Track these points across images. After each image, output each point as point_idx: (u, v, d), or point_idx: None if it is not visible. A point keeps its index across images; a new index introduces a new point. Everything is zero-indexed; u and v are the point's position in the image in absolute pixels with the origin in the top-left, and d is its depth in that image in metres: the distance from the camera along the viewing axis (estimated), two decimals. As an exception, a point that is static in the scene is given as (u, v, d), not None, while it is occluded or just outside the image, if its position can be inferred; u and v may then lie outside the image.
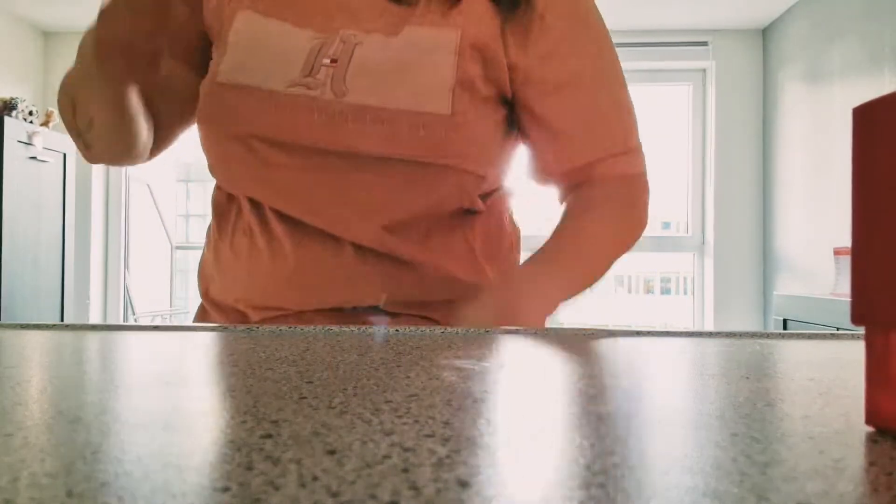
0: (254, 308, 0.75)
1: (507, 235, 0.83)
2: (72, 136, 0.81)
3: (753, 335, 0.54)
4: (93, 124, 0.78)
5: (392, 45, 0.72)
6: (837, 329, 2.25)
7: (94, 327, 0.54)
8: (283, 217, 0.74)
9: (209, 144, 0.78)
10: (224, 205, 0.80)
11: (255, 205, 0.76)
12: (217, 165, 0.79)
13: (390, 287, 0.73)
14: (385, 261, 0.73)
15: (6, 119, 3.44)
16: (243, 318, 0.77)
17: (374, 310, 0.73)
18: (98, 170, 4.51)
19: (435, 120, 0.70)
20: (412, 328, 0.54)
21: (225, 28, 0.78)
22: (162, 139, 0.88)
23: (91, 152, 0.82)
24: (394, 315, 0.73)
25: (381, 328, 0.55)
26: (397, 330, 0.53)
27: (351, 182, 0.72)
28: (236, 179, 0.77)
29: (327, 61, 0.72)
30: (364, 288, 0.72)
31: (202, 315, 0.86)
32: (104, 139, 0.80)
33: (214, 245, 0.81)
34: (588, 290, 0.79)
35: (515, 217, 0.87)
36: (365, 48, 0.72)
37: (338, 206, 0.72)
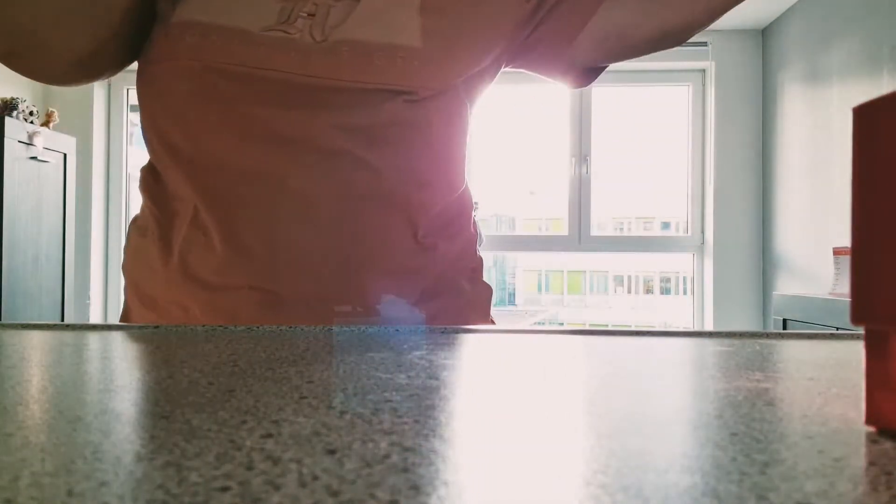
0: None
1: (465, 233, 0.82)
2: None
3: (753, 335, 0.54)
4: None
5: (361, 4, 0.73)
6: (837, 329, 2.25)
7: (94, 327, 0.54)
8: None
9: (159, 95, 0.72)
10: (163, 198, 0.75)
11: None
12: (164, 119, 0.72)
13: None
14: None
15: (6, 119, 3.44)
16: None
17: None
18: (98, 170, 4.51)
19: (409, 52, 0.71)
20: (412, 328, 0.54)
21: None
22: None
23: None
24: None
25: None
26: (397, 330, 0.53)
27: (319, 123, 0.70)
28: (194, 133, 0.71)
29: (304, 14, 0.72)
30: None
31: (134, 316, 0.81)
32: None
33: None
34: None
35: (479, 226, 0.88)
36: (338, 9, 0.73)
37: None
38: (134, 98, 4.80)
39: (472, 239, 0.83)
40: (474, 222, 0.85)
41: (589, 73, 0.85)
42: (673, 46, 0.82)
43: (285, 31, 0.71)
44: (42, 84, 4.59)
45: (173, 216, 0.74)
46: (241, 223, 0.70)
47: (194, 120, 0.71)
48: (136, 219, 0.81)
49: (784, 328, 2.67)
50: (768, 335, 0.54)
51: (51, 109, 3.98)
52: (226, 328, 0.55)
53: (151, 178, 0.77)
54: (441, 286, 0.76)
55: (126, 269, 0.82)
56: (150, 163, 0.78)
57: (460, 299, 0.78)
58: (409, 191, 0.73)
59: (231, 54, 0.69)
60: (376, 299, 0.72)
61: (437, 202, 0.77)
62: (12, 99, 3.55)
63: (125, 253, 0.82)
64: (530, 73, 0.86)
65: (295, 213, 0.70)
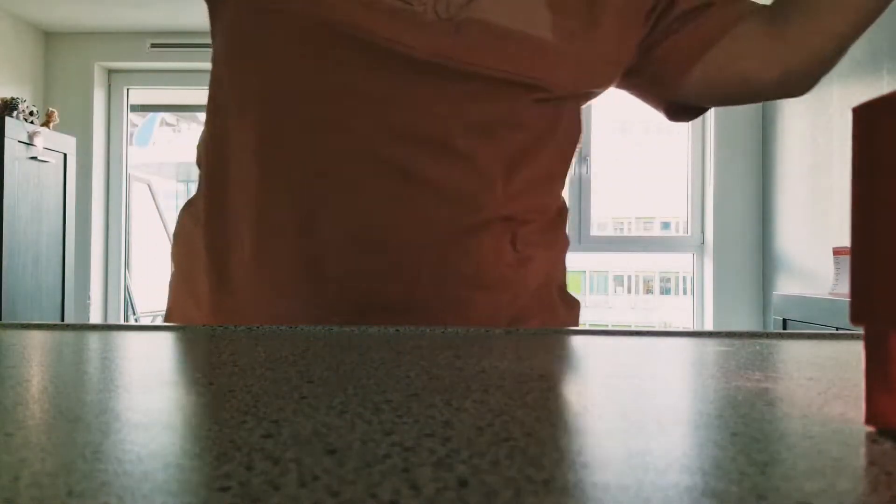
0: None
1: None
2: None
3: (753, 335, 0.54)
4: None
5: None
6: (837, 329, 2.25)
7: (94, 327, 0.54)
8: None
9: (252, 46, 0.66)
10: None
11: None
12: (253, 77, 0.66)
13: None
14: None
15: (6, 119, 3.44)
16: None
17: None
18: (98, 170, 4.51)
19: (541, 43, 0.64)
20: (412, 328, 0.54)
21: None
22: None
23: None
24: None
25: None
26: (398, 330, 0.53)
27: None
28: (293, 99, 0.64)
29: None
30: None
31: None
32: None
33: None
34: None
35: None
36: None
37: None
38: (134, 98, 4.81)
39: (566, 247, 0.78)
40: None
41: (690, 110, 0.80)
42: (789, 96, 0.78)
43: (407, 2, 0.63)
44: (42, 84, 4.59)
45: (236, 204, 0.67)
46: (324, 213, 0.63)
47: (295, 82, 0.64)
48: (190, 202, 0.75)
49: (784, 328, 2.67)
50: (768, 335, 0.54)
51: (51, 109, 3.98)
52: (225, 328, 0.55)
53: (214, 156, 0.71)
54: (535, 304, 0.71)
55: (175, 258, 0.76)
56: (210, 134, 0.72)
57: (555, 321, 0.73)
58: (518, 199, 0.67)
59: (350, 15, 0.62)
60: (468, 315, 0.65)
61: (543, 213, 0.72)
62: (12, 99, 3.55)
63: (175, 241, 0.76)
64: (632, 95, 0.80)
65: (388, 206, 0.63)
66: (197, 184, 0.76)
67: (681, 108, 0.79)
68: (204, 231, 0.69)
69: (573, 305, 0.77)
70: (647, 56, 0.73)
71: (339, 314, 0.63)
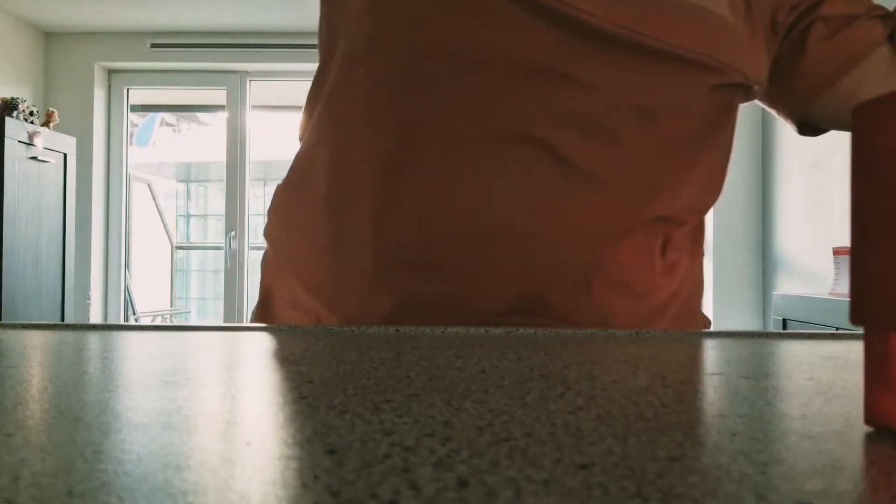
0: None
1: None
2: None
3: (753, 335, 0.54)
4: None
5: None
6: (837, 329, 2.25)
7: (94, 327, 0.54)
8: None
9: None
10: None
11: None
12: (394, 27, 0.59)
13: None
14: None
15: (6, 119, 3.44)
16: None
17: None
18: (98, 170, 4.51)
19: (721, 21, 0.59)
20: (412, 328, 0.54)
21: None
22: None
23: None
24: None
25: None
26: (398, 330, 0.53)
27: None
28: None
29: None
30: None
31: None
32: None
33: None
34: None
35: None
36: None
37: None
38: (134, 98, 4.81)
39: (702, 256, 0.72)
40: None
41: (816, 128, 0.74)
42: None
43: None
44: (42, 84, 4.60)
45: (359, 163, 0.60)
46: (450, 197, 0.56)
47: (451, 46, 0.57)
48: (295, 168, 0.68)
49: (784, 328, 2.67)
50: (768, 335, 0.54)
51: (51, 109, 3.99)
52: (225, 328, 0.55)
53: (325, 120, 0.64)
54: (673, 320, 0.65)
55: (275, 240, 0.69)
56: (329, 111, 0.65)
57: None
58: (678, 197, 0.62)
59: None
60: (606, 325, 0.59)
61: (697, 216, 0.67)
62: (12, 99, 3.55)
63: (272, 217, 0.69)
64: (762, 104, 0.74)
65: (536, 195, 0.57)
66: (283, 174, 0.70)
67: (810, 124, 0.74)
68: (324, 208, 0.62)
69: (707, 326, 0.72)
70: (790, 63, 0.67)
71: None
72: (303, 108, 0.69)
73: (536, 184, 0.56)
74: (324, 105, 0.65)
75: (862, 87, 0.67)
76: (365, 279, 0.59)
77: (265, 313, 0.70)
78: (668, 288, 0.64)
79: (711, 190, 0.67)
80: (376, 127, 0.60)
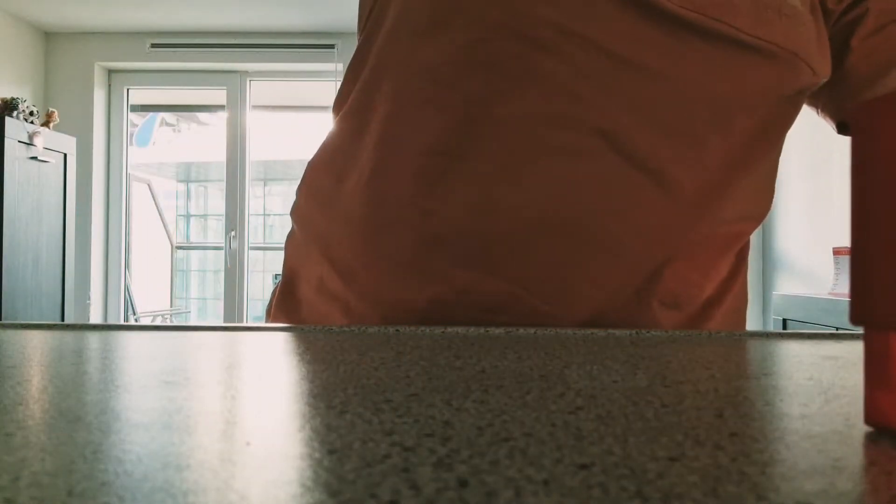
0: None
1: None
2: None
3: (753, 335, 0.54)
4: None
5: None
6: (837, 329, 2.25)
7: (94, 327, 0.54)
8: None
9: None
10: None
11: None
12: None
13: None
14: None
15: (6, 119, 3.44)
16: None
17: None
18: (98, 170, 4.51)
19: (796, 13, 0.55)
20: (413, 328, 0.54)
21: None
22: None
23: None
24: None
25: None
26: (398, 330, 0.53)
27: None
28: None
29: None
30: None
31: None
32: None
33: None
34: None
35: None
36: None
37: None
38: (134, 98, 4.81)
39: (746, 270, 0.69)
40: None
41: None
42: None
43: None
44: (42, 84, 4.60)
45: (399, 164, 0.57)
46: (507, 179, 0.54)
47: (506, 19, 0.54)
48: (331, 145, 0.64)
49: (784, 328, 2.67)
50: (768, 335, 0.54)
51: (51, 109, 3.99)
52: (225, 328, 0.55)
53: (376, 97, 0.60)
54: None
55: (305, 220, 0.66)
56: (365, 93, 0.61)
57: None
58: (743, 201, 0.60)
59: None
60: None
61: (756, 223, 0.64)
62: (12, 99, 3.55)
63: (302, 196, 0.66)
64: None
65: (595, 193, 0.54)
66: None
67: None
68: (365, 188, 0.59)
69: None
70: (834, 58, 0.63)
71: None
72: (342, 83, 0.66)
73: (604, 182, 0.53)
74: (373, 82, 0.61)
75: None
76: (403, 268, 0.57)
77: (288, 298, 0.67)
78: (720, 303, 0.62)
79: (767, 195, 0.64)
80: (438, 105, 0.56)
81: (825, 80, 0.61)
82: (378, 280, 0.59)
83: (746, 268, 0.68)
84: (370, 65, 0.61)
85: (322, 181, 0.64)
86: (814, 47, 0.57)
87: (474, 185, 0.54)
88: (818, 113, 0.71)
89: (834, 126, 0.72)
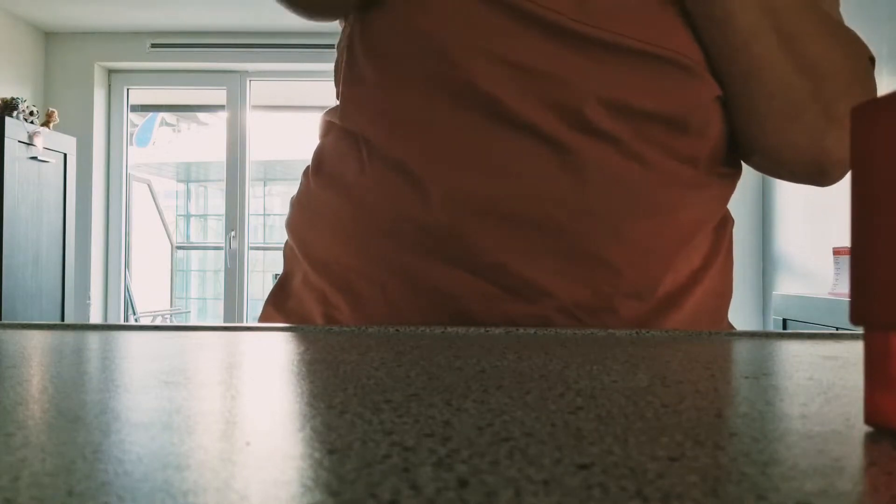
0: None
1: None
2: None
3: (753, 335, 0.54)
4: None
5: None
6: (837, 329, 2.25)
7: (94, 327, 0.54)
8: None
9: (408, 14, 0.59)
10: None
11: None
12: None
13: None
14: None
15: (7, 119, 3.44)
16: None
17: None
18: (98, 170, 4.51)
19: None
20: (413, 328, 0.54)
21: None
22: None
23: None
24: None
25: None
26: (398, 330, 0.53)
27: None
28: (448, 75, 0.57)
29: None
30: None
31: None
32: None
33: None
34: None
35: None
36: None
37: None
38: (134, 98, 4.81)
39: (732, 263, 0.70)
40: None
41: None
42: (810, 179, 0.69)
43: None
44: (42, 84, 4.59)
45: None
46: (470, 175, 0.57)
47: (449, 51, 0.57)
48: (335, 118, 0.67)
49: (784, 328, 2.67)
50: (768, 335, 0.54)
51: (51, 109, 3.99)
52: (225, 328, 0.55)
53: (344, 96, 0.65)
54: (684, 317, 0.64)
55: (293, 227, 0.68)
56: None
57: None
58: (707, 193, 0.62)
59: None
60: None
61: (719, 216, 0.66)
62: (12, 99, 3.55)
63: (293, 206, 0.69)
64: None
65: (537, 182, 0.56)
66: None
67: None
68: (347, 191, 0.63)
69: None
70: None
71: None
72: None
73: (544, 172, 0.56)
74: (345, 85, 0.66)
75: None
76: (377, 262, 0.60)
77: (279, 292, 0.70)
78: (691, 295, 0.62)
79: (725, 192, 0.65)
80: (399, 121, 0.60)
81: None
82: (352, 274, 0.62)
83: (728, 252, 0.69)
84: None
85: (307, 185, 0.68)
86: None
87: (441, 181, 0.57)
88: None
89: None
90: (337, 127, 0.66)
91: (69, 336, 0.49)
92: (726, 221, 0.69)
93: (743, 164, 0.68)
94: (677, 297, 0.62)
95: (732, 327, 0.70)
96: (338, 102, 0.67)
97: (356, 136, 0.63)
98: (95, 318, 4.42)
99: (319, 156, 0.68)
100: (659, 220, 0.59)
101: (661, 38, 0.56)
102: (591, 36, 0.55)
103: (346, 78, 0.65)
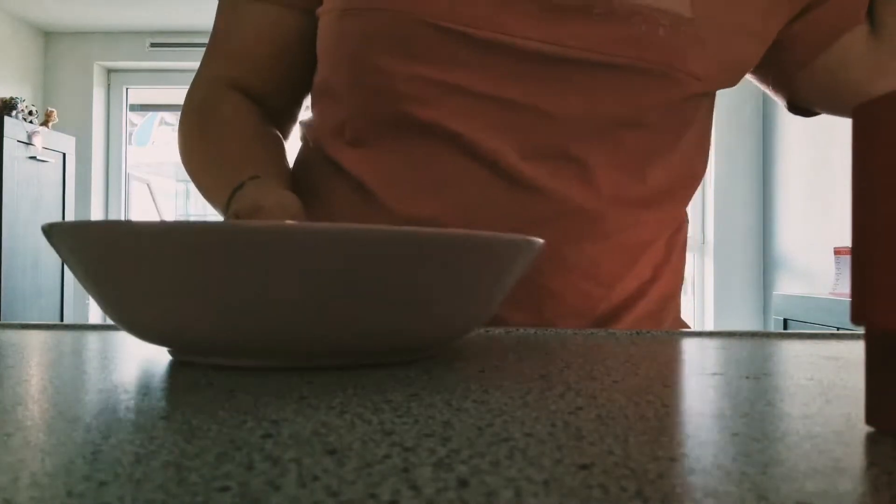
0: None
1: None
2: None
3: (753, 335, 0.54)
4: None
5: None
6: (837, 329, 2.25)
7: (94, 327, 0.54)
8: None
9: (351, 56, 0.60)
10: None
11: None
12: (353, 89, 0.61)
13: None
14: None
15: (6, 119, 3.44)
16: None
17: None
18: (97, 169, 4.51)
19: (676, 20, 0.57)
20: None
21: None
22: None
23: None
24: None
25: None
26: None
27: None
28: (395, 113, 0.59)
29: None
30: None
31: None
32: None
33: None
34: None
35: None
36: None
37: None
38: (133, 98, 4.81)
39: (683, 269, 0.71)
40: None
41: (807, 109, 0.74)
42: None
43: None
44: (41, 84, 4.58)
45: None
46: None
47: (395, 87, 0.58)
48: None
49: (784, 328, 2.67)
50: (768, 335, 0.54)
51: (50, 109, 3.98)
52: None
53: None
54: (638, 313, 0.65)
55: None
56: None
57: None
58: (643, 211, 0.63)
59: (449, 8, 0.55)
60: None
61: (669, 229, 0.66)
62: (12, 99, 3.55)
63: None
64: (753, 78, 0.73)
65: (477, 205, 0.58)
66: None
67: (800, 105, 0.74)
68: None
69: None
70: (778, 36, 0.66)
71: None
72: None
73: (491, 202, 0.58)
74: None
75: (842, 68, 0.67)
76: None
77: None
78: (638, 305, 0.64)
79: (676, 202, 0.66)
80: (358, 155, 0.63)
81: (731, 82, 0.63)
82: None
83: (680, 253, 0.69)
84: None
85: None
86: (697, 52, 0.58)
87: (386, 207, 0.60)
88: (768, 90, 0.74)
89: (784, 103, 0.74)
90: (307, 139, 0.69)
91: (69, 336, 0.49)
92: (680, 226, 0.69)
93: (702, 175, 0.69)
94: (621, 310, 0.63)
95: (686, 325, 0.71)
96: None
97: (322, 152, 0.65)
98: (95, 318, 4.42)
99: (296, 163, 0.70)
100: (607, 244, 0.60)
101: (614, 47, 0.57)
102: (542, 53, 0.56)
103: (313, 93, 0.67)
